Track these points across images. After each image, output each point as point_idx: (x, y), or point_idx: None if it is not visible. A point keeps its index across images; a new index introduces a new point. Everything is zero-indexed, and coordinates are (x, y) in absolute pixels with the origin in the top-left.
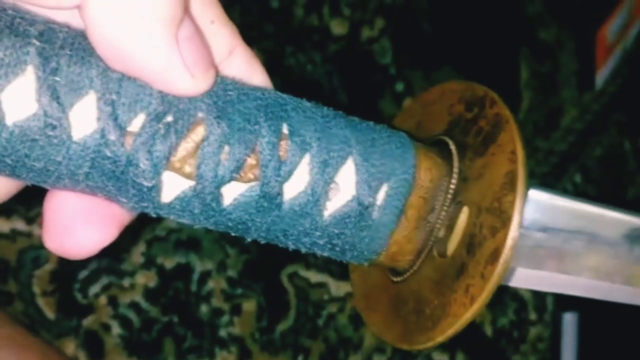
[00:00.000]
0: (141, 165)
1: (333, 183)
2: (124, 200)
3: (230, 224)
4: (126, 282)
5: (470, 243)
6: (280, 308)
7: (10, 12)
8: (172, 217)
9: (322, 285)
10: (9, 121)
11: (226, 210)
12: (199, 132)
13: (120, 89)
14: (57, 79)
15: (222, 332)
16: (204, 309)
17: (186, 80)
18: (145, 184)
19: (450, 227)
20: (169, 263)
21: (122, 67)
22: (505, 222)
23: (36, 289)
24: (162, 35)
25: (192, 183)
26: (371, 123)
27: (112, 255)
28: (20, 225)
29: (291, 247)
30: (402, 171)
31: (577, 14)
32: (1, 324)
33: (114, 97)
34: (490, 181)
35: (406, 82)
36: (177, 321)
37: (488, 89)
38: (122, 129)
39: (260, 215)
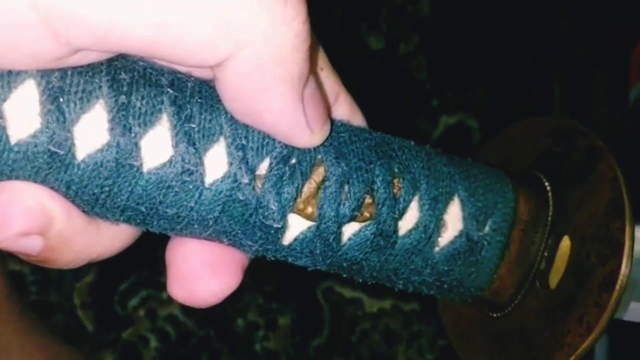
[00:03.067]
0: (271, 206)
1: (442, 220)
2: (250, 243)
3: (345, 264)
4: (164, 294)
5: (577, 272)
6: (315, 323)
7: (141, 63)
8: (289, 259)
9: (356, 302)
10: (146, 168)
11: (342, 250)
12: (319, 173)
13: (248, 134)
14: (192, 125)
15: (257, 347)
16: (239, 322)
17: (307, 135)
18: (275, 225)
19: (550, 259)
20: None
21: (249, 122)
22: (616, 248)
23: (76, 301)
24: (290, 97)
25: (312, 223)
26: (468, 159)
27: (151, 268)
28: None
29: (399, 286)
30: (503, 205)
31: (611, 30)
32: (39, 334)
33: (243, 142)
34: (592, 210)
35: (441, 98)
36: (213, 335)
37: (575, 122)
38: (252, 173)
39: (375, 254)
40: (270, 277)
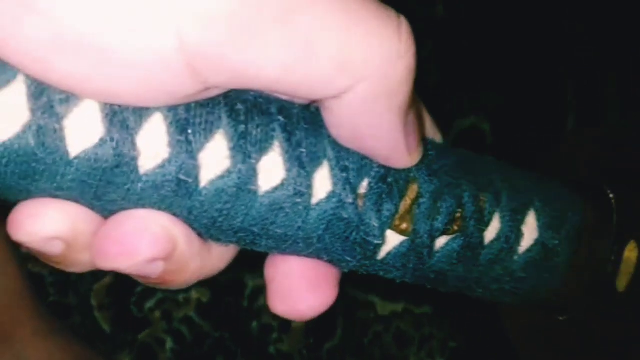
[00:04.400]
0: (373, 224)
1: (520, 230)
2: (349, 259)
3: (432, 275)
4: (180, 296)
5: None
6: (328, 326)
7: (251, 93)
8: (380, 273)
9: (369, 305)
10: (261, 192)
11: (431, 262)
12: (413, 190)
13: (349, 156)
14: (302, 150)
15: (271, 349)
16: (254, 325)
17: (405, 158)
18: (375, 241)
19: (617, 263)
20: (222, 278)
21: (352, 146)
22: None
23: (94, 302)
24: (395, 125)
25: (406, 238)
26: (533, 172)
27: None
28: None
29: (477, 294)
30: (573, 214)
31: (622, 32)
32: (58, 335)
33: (346, 163)
34: None
35: (454, 102)
36: (228, 337)
37: (631, 129)
38: (355, 192)
39: (461, 266)
40: None
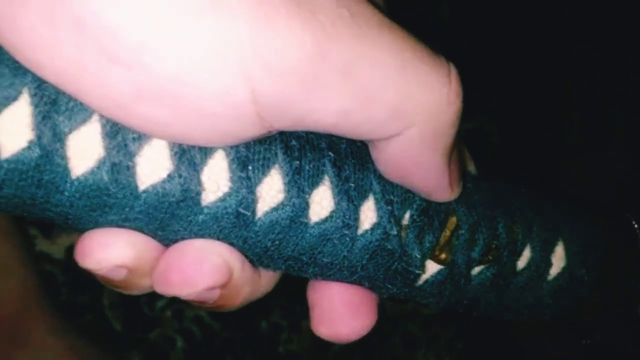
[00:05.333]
0: (415, 254)
1: (550, 259)
2: (389, 286)
3: (465, 301)
4: None
5: None
6: None
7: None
8: (417, 298)
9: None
10: (312, 223)
11: (466, 290)
12: (452, 222)
13: (393, 190)
14: (351, 184)
15: (281, 349)
16: (264, 325)
17: (447, 193)
18: (416, 271)
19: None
20: None
21: (398, 181)
22: None
23: (105, 301)
24: (441, 165)
25: (443, 267)
26: (555, 200)
27: None
28: None
29: (506, 318)
30: (599, 242)
31: (626, 31)
32: (70, 334)
33: (391, 197)
34: None
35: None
36: (238, 336)
37: None
38: (399, 224)
39: (493, 293)
40: (294, 279)
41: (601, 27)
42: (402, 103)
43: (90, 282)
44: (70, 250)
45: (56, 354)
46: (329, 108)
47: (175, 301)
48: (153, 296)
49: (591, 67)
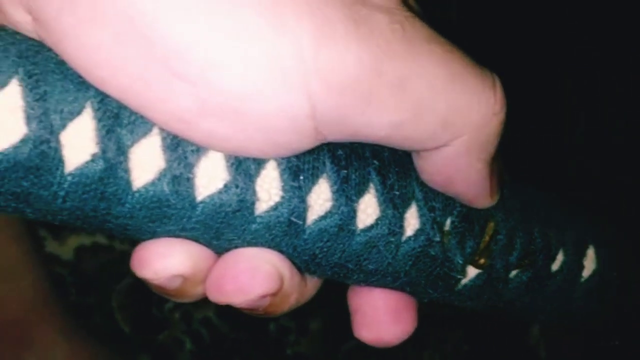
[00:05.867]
0: (456, 260)
1: (582, 262)
2: (430, 291)
3: (501, 305)
4: None
5: None
6: (346, 328)
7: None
8: (455, 302)
9: None
10: (358, 231)
11: (503, 293)
12: (490, 227)
13: (435, 197)
14: (395, 192)
15: (289, 351)
16: (272, 326)
17: (488, 200)
18: (457, 276)
19: None
20: None
21: (440, 189)
22: None
23: (114, 303)
24: (484, 174)
25: (481, 272)
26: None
27: None
28: (101, 239)
29: (538, 320)
30: (625, 246)
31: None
32: (79, 334)
33: (433, 203)
34: None
35: None
36: (246, 338)
37: None
38: (441, 231)
39: (528, 296)
40: None
41: (601, 27)
42: (451, 115)
43: (98, 283)
44: (79, 251)
45: (65, 355)
46: (382, 121)
47: (183, 303)
48: (162, 298)
49: (591, 67)
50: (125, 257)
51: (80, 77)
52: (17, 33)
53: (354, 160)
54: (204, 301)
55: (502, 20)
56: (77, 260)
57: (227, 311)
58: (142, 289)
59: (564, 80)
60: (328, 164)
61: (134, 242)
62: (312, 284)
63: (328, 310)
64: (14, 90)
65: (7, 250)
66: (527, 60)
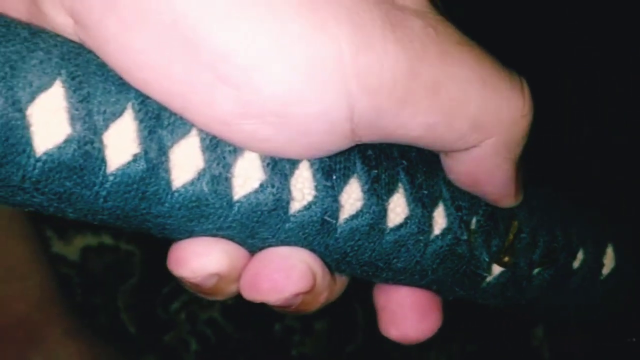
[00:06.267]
0: (482, 258)
1: (602, 260)
2: (456, 289)
3: (523, 302)
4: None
5: None
6: (350, 329)
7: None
8: (479, 300)
9: None
10: (388, 230)
11: (526, 291)
12: (514, 226)
13: (462, 196)
14: (424, 191)
15: (294, 352)
16: (277, 327)
17: (513, 199)
18: (483, 274)
19: None
20: None
21: (467, 189)
22: None
23: (120, 303)
24: (511, 174)
25: (505, 269)
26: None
27: None
28: (107, 239)
29: (559, 317)
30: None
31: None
32: (85, 335)
33: (459, 203)
34: None
35: None
36: (251, 339)
37: None
38: (468, 229)
39: (550, 294)
40: None
41: (601, 27)
42: (481, 116)
43: (104, 284)
44: (85, 251)
45: (71, 355)
46: (416, 122)
47: (189, 304)
48: (167, 299)
49: (591, 67)
50: (131, 258)
51: (120, 79)
52: (58, 35)
53: (383, 160)
54: (209, 302)
55: (502, 21)
56: (83, 260)
57: (233, 312)
58: (148, 289)
59: (564, 81)
60: (358, 164)
61: (140, 243)
62: (341, 282)
63: (333, 311)
64: (58, 91)
65: (13, 250)
66: (527, 60)
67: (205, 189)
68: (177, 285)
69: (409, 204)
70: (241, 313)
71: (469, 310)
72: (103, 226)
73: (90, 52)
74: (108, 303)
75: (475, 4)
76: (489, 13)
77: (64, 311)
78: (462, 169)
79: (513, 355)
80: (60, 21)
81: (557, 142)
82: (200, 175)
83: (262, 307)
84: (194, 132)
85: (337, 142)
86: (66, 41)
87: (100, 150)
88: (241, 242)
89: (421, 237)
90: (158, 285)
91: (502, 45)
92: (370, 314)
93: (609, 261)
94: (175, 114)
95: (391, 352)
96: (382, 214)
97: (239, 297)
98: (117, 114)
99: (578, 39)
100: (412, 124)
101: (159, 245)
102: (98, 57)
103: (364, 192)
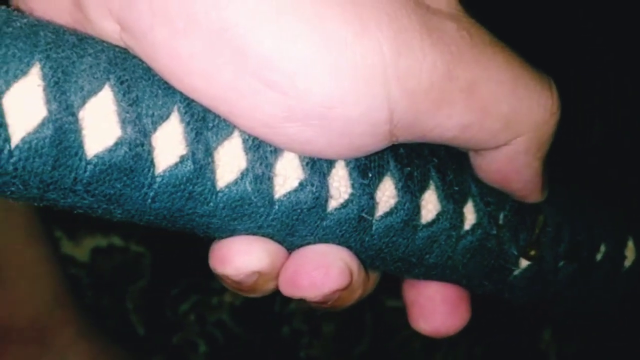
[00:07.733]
0: (511, 252)
1: (624, 253)
2: (486, 283)
3: (548, 295)
4: (214, 300)
5: None
6: (357, 331)
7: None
8: (506, 294)
9: (398, 310)
10: (421, 226)
11: (551, 284)
12: (540, 221)
13: (490, 191)
14: (455, 188)
15: (302, 354)
16: (285, 329)
17: (539, 195)
18: (512, 268)
19: None
20: None
21: (496, 185)
22: None
23: (129, 305)
24: (539, 171)
25: (531, 263)
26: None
27: (203, 273)
28: (117, 240)
29: (581, 312)
30: None
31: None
32: (96, 336)
33: (488, 198)
34: None
35: None
36: (259, 341)
37: None
38: (497, 224)
39: (574, 288)
40: None
41: (615, 30)
42: (513, 116)
43: (114, 285)
44: (94, 252)
45: (80, 356)
46: (452, 123)
47: (198, 305)
48: (176, 300)
49: (605, 70)
50: (140, 259)
51: (166, 82)
52: (103, 41)
53: (415, 158)
54: (218, 304)
55: (516, 22)
56: (93, 261)
57: (241, 314)
58: (157, 290)
59: (577, 83)
60: (392, 162)
61: (150, 245)
62: (373, 278)
63: (341, 313)
64: (107, 95)
65: (23, 251)
66: (540, 63)
67: (249, 188)
68: (186, 287)
69: (440, 201)
70: (250, 315)
71: (475, 313)
72: (113, 227)
73: (135, 57)
74: (117, 304)
75: (488, 5)
76: (502, 15)
77: (74, 312)
78: (492, 167)
79: (520, 358)
80: (106, 27)
81: (570, 144)
82: (244, 175)
83: (271, 309)
84: (236, 133)
85: (376, 143)
86: (111, 46)
87: (149, 152)
88: (280, 240)
89: (453, 233)
90: (167, 286)
91: (516, 47)
92: (378, 317)
93: (630, 254)
94: (218, 116)
95: (397, 354)
96: (416, 210)
97: (247, 299)
98: (164, 117)
99: (592, 41)
100: (447, 124)
101: (168, 247)
102: (143, 62)
103: (398, 189)
